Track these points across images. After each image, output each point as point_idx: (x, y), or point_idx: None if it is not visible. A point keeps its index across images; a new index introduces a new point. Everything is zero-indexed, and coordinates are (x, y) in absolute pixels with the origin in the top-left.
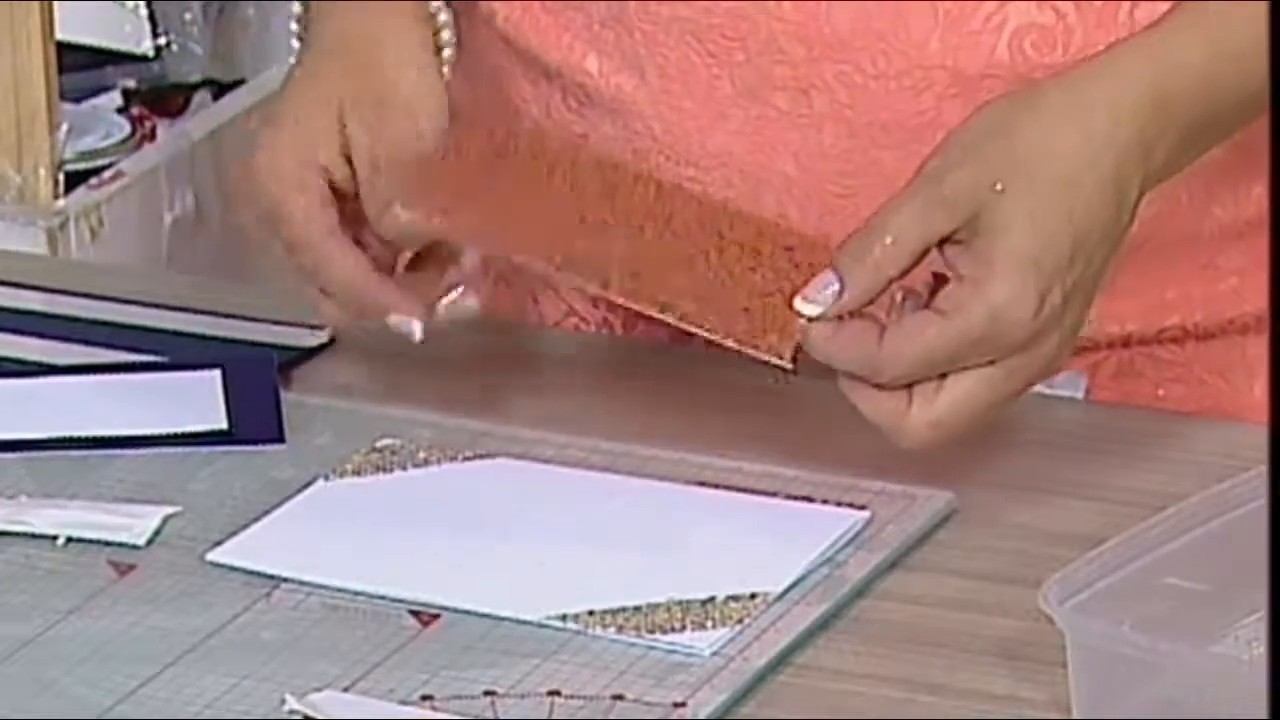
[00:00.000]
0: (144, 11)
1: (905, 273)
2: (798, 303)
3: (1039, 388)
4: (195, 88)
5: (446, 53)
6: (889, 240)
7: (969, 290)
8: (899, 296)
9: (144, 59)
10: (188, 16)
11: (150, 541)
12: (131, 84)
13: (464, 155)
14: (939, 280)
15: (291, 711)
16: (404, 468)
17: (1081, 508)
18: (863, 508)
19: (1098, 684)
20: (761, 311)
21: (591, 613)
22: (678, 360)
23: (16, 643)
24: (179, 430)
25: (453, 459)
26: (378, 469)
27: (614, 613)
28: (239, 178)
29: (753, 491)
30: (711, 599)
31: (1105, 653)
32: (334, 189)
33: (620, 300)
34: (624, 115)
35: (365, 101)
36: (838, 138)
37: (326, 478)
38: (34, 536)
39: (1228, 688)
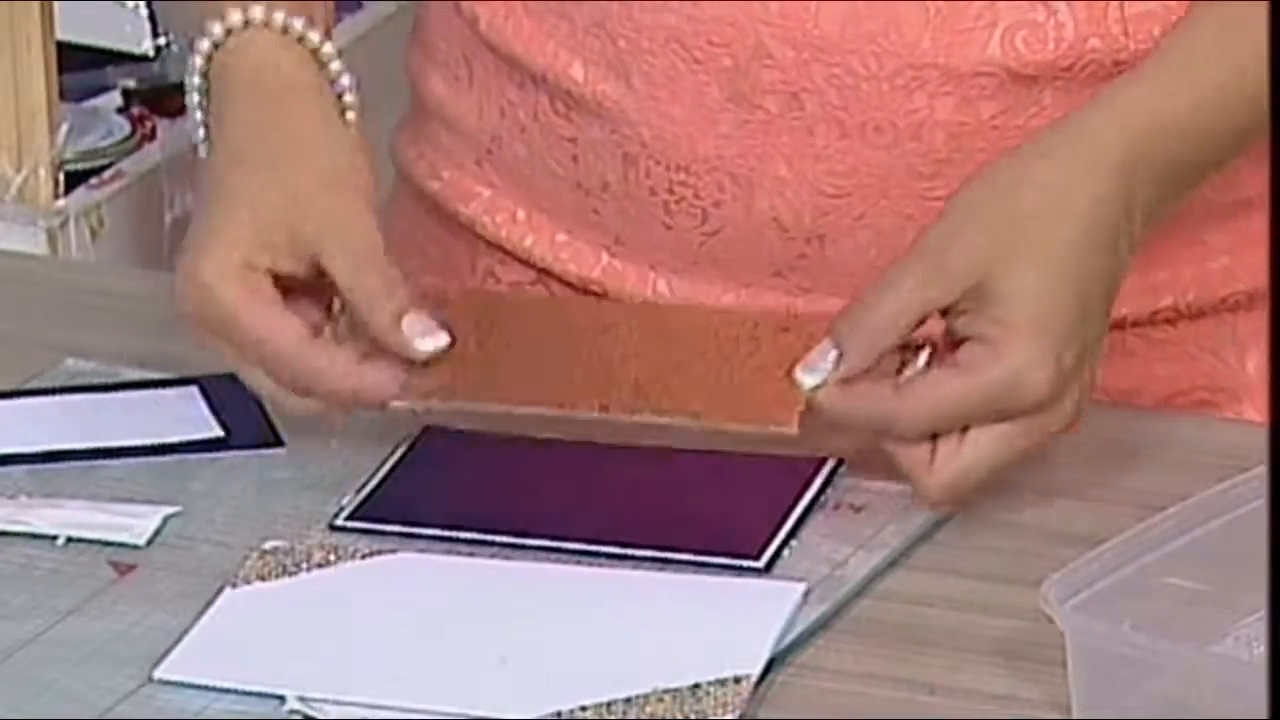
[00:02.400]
0: (144, 11)
1: (904, 340)
2: (798, 372)
3: None
4: None
5: (350, 110)
6: (887, 311)
7: (988, 351)
8: (919, 353)
9: (144, 59)
10: None
11: (150, 541)
12: (131, 84)
13: (453, 327)
14: (946, 343)
15: (292, 712)
16: (305, 569)
17: (1081, 508)
18: (801, 579)
19: (1097, 684)
20: (763, 389)
21: (584, 708)
22: None
23: (16, 643)
24: (178, 439)
25: (352, 557)
26: (283, 572)
27: (608, 705)
28: (181, 280)
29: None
30: (696, 685)
31: (1105, 653)
32: (276, 279)
33: (624, 417)
34: (612, 121)
35: (295, 194)
36: (830, 139)
37: (234, 585)
38: (34, 536)
39: (1228, 688)
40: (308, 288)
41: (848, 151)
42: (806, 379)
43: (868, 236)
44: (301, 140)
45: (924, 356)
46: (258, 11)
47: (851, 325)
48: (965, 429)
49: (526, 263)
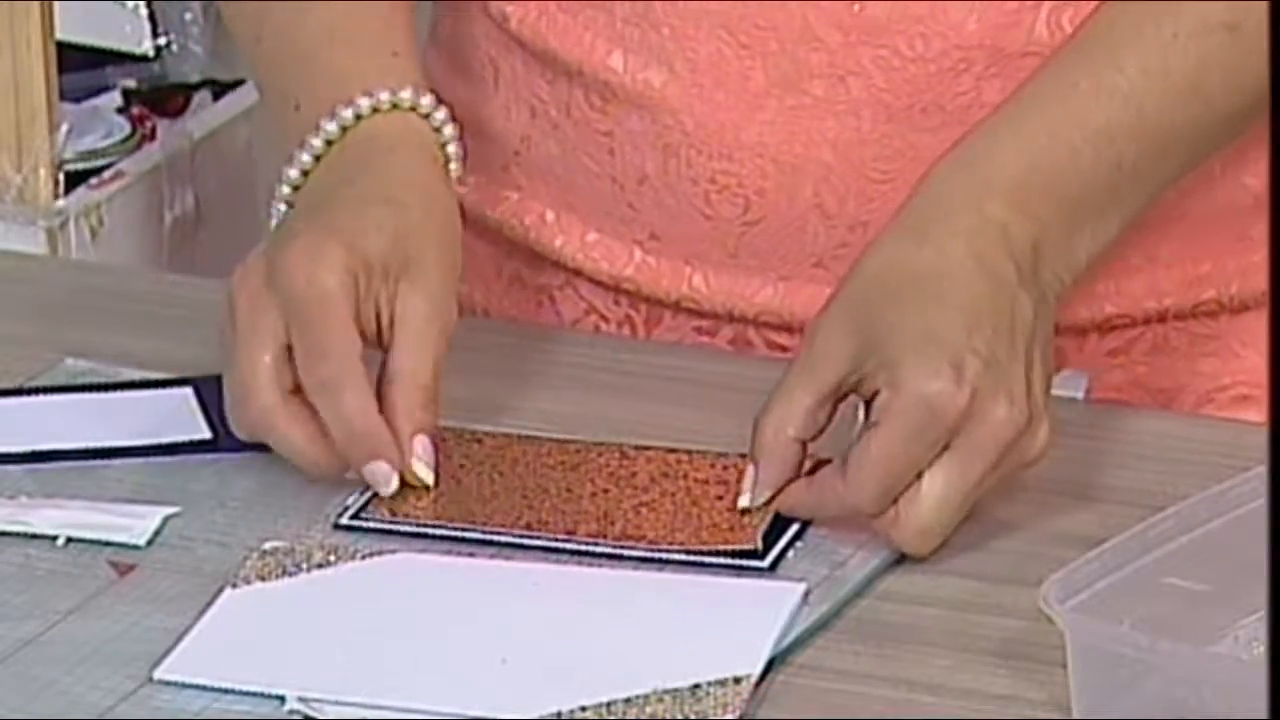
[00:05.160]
0: (144, 11)
1: (812, 430)
2: (739, 501)
3: None
4: (195, 88)
5: (454, 172)
6: (778, 414)
7: (888, 392)
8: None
9: (144, 59)
10: (188, 16)
11: (150, 541)
12: (131, 84)
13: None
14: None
15: (291, 712)
16: (305, 569)
17: (1081, 508)
18: (802, 579)
19: (1098, 684)
20: (728, 520)
21: (584, 708)
22: (687, 359)
23: (16, 643)
24: (178, 439)
25: (352, 558)
26: (283, 572)
27: (608, 705)
28: (274, 257)
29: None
30: (696, 685)
31: (1105, 653)
32: None
33: (587, 542)
34: (652, 111)
35: (395, 259)
36: (876, 123)
37: (234, 585)
38: (34, 536)
39: (1228, 688)
40: None
41: (894, 135)
42: (742, 500)
43: None
44: (429, 226)
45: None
46: (407, 94)
47: (755, 437)
48: (920, 475)
49: (556, 263)
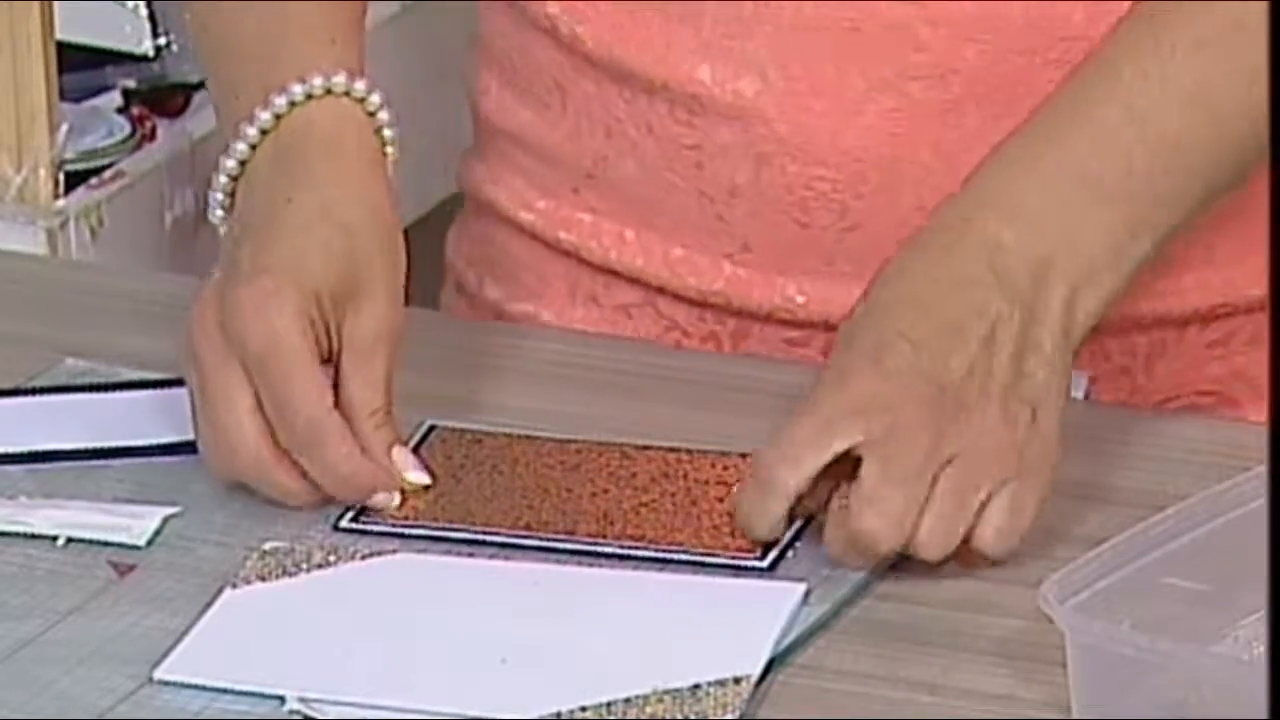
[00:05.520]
0: (144, 11)
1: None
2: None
3: None
4: (195, 88)
5: (390, 156)
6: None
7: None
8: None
9: (144, 59)
10: (188, 16)
11: (150, 541)
12: (131, 84)
13: (430, 465)
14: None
15: (292, 712)
16: (305, 569)
17: (1081, 508)
18: (801, 580)
19: (1097, 684)
20: (728, 523)
21: (584, 708)
22: (689, 360)
23: (16, 643)
24: (178, 439)
25: (352, 558)
26: (283, 572)
27: (608, 705)
28: (226, 303)
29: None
30: (696, 685)
31: (1105, 653)
32: None
33: (587, 542)
34: (744, 121)
35: (344, 285)
36: (980, 121)
37: (234, 585)
38: (34, 536)
39: (1228, 688)
40: None
41: (998, 134)
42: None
43: None
44: (371, 248)
45: None
46: (340, 79)
47: (763, 479)
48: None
49: (636, 281)
